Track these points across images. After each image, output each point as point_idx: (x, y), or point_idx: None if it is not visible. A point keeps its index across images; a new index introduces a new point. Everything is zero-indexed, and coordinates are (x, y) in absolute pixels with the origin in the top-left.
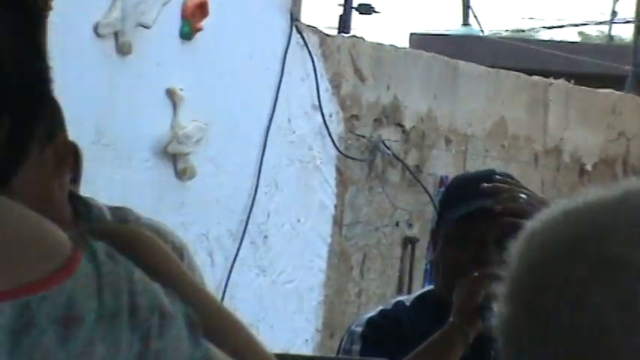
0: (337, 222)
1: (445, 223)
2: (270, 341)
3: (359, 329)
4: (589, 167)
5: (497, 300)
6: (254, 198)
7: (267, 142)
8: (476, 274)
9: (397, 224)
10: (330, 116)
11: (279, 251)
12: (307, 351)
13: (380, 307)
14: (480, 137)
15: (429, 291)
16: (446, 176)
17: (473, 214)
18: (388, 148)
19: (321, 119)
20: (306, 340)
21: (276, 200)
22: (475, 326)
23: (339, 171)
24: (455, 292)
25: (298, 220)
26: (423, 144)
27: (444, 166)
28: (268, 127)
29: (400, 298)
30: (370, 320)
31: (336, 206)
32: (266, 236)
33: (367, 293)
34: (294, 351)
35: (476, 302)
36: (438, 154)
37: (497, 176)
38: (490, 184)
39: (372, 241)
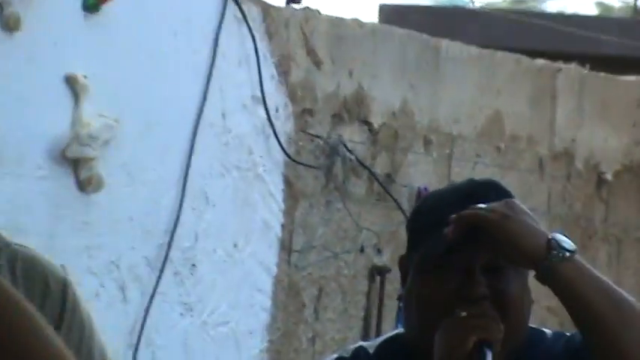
0: (285, 247)
1: (420, 253)
2: None
3: None
4: (609, 176)
5: (494, 348)
6: (178, 216)
7: (195, 145)
8: (463, 313)
9: (362, 250)
10: (277, 111)
11: (210, 284)
12: None
13: (335, 356)
14: (469, 138)
15: (397, 335)
16: (424, 188)
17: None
18: (351, 152)
19: (264, 115)
20: None
21: (207, 219)
22: None
23: (287, 181)
24: (436, 337)
25: (235, 245)
26: (396, 146)
27: (422, 174)
28: (196, 126)
29: (362, 343)
30: None
31: (283, 226)
32: (194, 265)
33: (323, 339)
34: None
35: (464, 350)
36: (414, 160)
37: (481, 187)
38: (455, 221)
39: (330, 271)
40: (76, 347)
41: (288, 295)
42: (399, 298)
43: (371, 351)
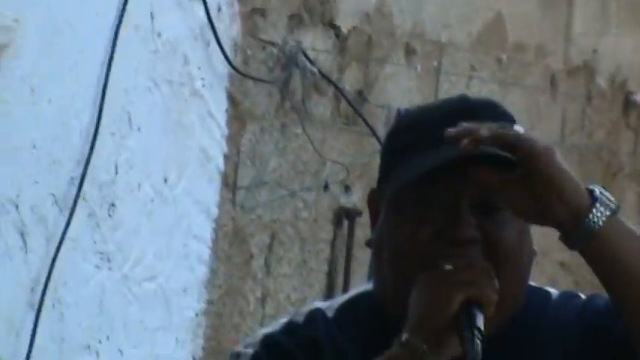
0: (228, 183)
1: (393, 183)
2: None
3: (249, 351)
4: (639, 97)
5: (486, 309)
6: (93, 143)
7: (116, 52)
8: (448, 266)
9: (326, 187)
10: (219, 10)
11: (133, 229)
12: None
13: (284, 320)
14: (463, 47)
15: (365, 292)
16: (406, 109)
17: (445, 165)
18: (312, 63)
19: (203, 15)
20: None
21: (130, 146)
22: (444, 350)
23: (232, 99)
24: (412, 296)
25: (165, 180)
26: (370, 56)
27: (403, 91)
28: (117, 28)
29: (318, 305)
30: (267, 340)
31: (226, 157)
32: (112, 204)
33: (276, 298)
34: None
35: (449, 312)
36: (393, 73)
37: (475, 106)
38: (458, 129)
39: (286, 214)
40: None
41: (232, 244)
42: (368, 244)
43: (330, 314)
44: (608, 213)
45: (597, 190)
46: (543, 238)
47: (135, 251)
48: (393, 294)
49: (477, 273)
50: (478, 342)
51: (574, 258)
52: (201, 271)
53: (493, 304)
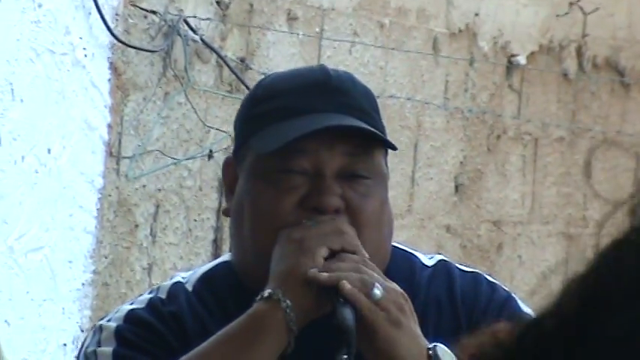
0: (113, 152)
1: (256, 150)
2: (4, 347)
3: (112, 324)
4: (522, 60)
5: (358, 253)
6: None
7: None
8: (310, 222)
9: (211, 155)
10: None
11: (17, 200)
12: None
13: (147, 295)
14: (345, 12)
15: (222, 265)
16: (265, 77)
17: (306, 136)
18: (195, 32)
19: None
20: (64, 345)
21: (13, 117)
22: (307, 306)
23: (114, 68)
24: (273, 254)
25: (48, 151)
26: (251, 24)
27: (285, 58)
28: None
29: (179, 277)
30: (131, 315)
31: (110, 126)
32: None
33: (163, 267)
34: None
35: (313, 265)
36: (275, 40)
37: (335, 78)
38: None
39: (170, 182)
40: None
41: (117, 214)
42: (225, 213)
43: (190, 288)
44: None
45: (437, 348)
46: (429, 202)
47: (20, 223)
48: (253, 259)
49: (339, 225)
50: (345, 308)
51: (459, 221)
52: (87, 242)
53: (362, 252)
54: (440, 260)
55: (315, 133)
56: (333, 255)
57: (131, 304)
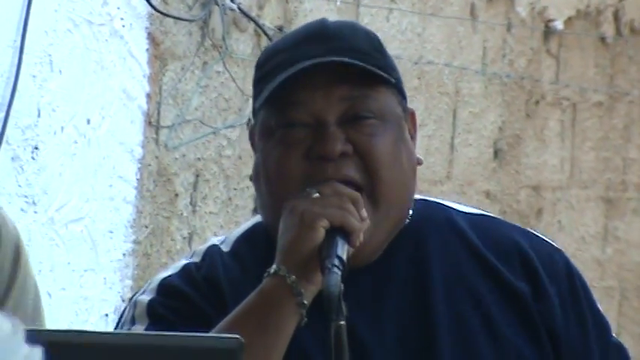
0: (152, 122)
1: (259, 111)
2: (47, 317)
3: (145, 298)
4: (559, 25)
5: (352, 238)
6: (15, 86)
7: None
8: (315, 194)
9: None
10: None
11: (57, 171)
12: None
13: (182, 262)
14: None
15: (257, 224)
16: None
17: (295, 80)
18: (232, 1)
19: None
20: (106, 315)
21: (52, 88)
22: (314, 279)
23: (152, 39)
24: (280, 222)
25: (88, 121)
26: None
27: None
28: None
29: (214, 241)
30: (163, 285)
31: (149, 96)
32: (36, 147)
33: (203, 236)
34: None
35: (313, 240)
36: (312, 8)
37: (334, 27)
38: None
39: (210, 151)
40: (24, 310)
41: (157, 184)
42: (251, 178)
43: (226, 249)
44: None
45: None
46: (468, 168)
47: (60, 194)
48: (272, 220)
49: (342, 200)
50: (337, 271)
51: (499, 187)
52: (127, 212)
53: (359, 232)
54: (481, 213)
55: (305, 77)
56: (333, 229)
57: (165, 272)
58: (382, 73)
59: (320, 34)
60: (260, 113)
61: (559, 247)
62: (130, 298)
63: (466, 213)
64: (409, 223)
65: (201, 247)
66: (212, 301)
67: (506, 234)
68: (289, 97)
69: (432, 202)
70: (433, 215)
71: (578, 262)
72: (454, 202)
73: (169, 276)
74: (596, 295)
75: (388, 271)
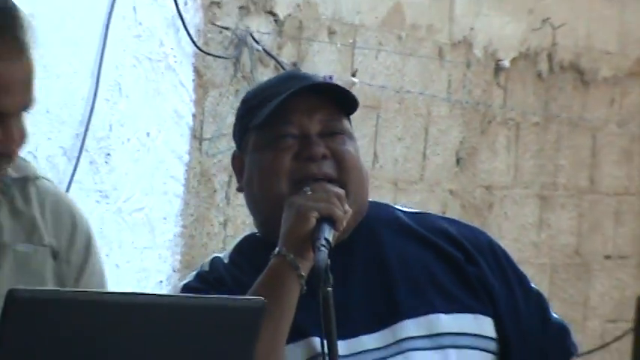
0: (196, 135)
1: (251, 134)
2: (115, 284)
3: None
4: (506, 63)
5: (337, 225)
6: (93, 107)
7: (108, 37)
8: (308, 191)
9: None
10: (185, 4)
11: (124, 172)
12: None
13: (196, 271)
14: (372, 27)
15: (247, 238)
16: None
17: (286, 105)
18: (258, 43)
19: (174, 7)
20: (161, 282)
21: (121, 109)
22: (308, 257)
23: (197, 71)
24: (283, 214)
25: (148, 134)
26: (301, 36)
27: (327, 63)
28: (109, 18)
29: (216, 254)
30: (185, 289)
31: (194, 115)
32: (108, 154)
33: (235, 223)
34: None
35: (307, 227)
36: (319, 49)
37: (304, 73)
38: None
39: None
40: (93, 286)
41: (199, 182)
42: (240, 189)
43: (226, 260)
44: None
45: None
46: (436, 172)
47: (126, 189)
48: (268, 212)
49: (330, 195)
50: (324, 250)
51: (460, 187)
52: (177, 203)
53: (342, 220)
54: (418, 211)
55: (294, 99)
56: (322, 218)
57: (185, 280)
58: (352, 94)
59: (296, 76)
60: (251, 133)
61: (482, 230)
62: None
63: (407, 211)
64: (365, 216)
65: (206, 261)
66: (222, 294)
67: (437, 223)
68: (282, 117)
69: (382, 203)
70: (382, 212)
71: (519, 245)
72: (398, 204)
73: (188, 282)
74: (532, 269)
75: (352, 250)
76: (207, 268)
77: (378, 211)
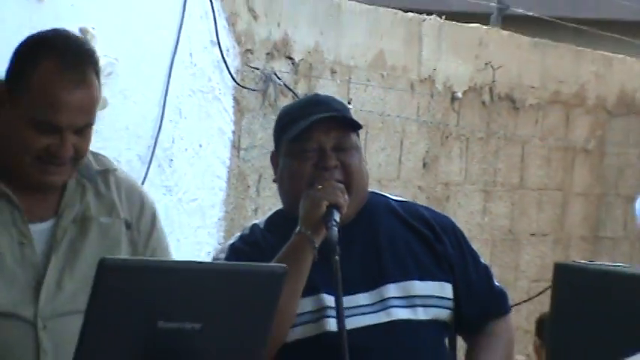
0: (235, 146)
1: (284, 143)
2: (177, 253)
3: (222, 255)
4: (459, 94)
5: (341, 210)
6: (160, 125)
7: (172, 75)
8: (319, 186)
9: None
10: (228, 51)
11: (183, 173)
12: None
13: (239, 233)
14: (362, 68)
15: (277, 212)
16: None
17: (311, 125)
18: (280, 79)
19: (219, 54)
20: (209, 252)
21: (180, 127)
22: (320, 233)
23: (236, 100)
24: (301, 203)
25: (200, 145)
26: (311, 75)
27: (330, 94)
28: (172, 61)
29: (254, 221)
30: (232, 246)
31: (233, 132)
32: (171, 160)
33: (263, 209)
34: None
35: (319, 212)
36: (324, 84)
37: (324, 98)
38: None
39: (266, 163)
40: (158, 256)
41: (237, 180)
42: (275, 180)
43: (262, 226)
44: None
45: None
46: (409, 173)
47: (184, 186)
48: (291, 205)
49: (335, 190)
50: (335, 228)
51: (425, 184)
52: (221, 195)
53: (344, 207)
54: (404, 200)
55: (315, 123)
56: (330, 205)
57: (231, 240)
58: (356, 123)
59: (318, 101)
60: (283, 143)
61: (448, 216)
62: (214, 256)
63: (396, 200)
64: (365, 205)
65: (247, 226)
66: (257, 253)
67: (416, 210)
68: (305, 135)
69: (378, 193)
70: (378, 201)
71: (469, 225)
72: (390, 193)
73: (233, 242)
74: (478, 244)
75: (354, 230)
76: (247, 232)
77: (376, 199)
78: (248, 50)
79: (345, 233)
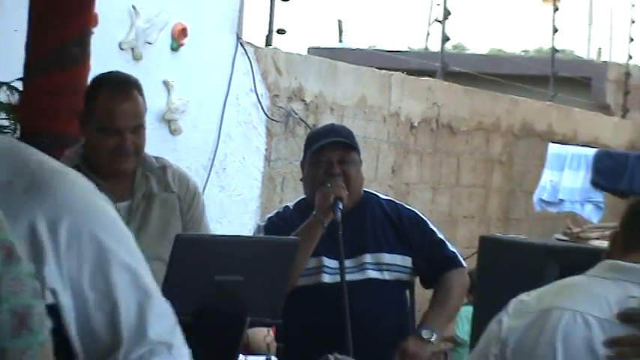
0: (267, 159)
1: (308, 154)
2: (228, 230)
3: (263, 224)
4: (416, 124)
5: (343, 201)
6: (217, 145)
7: (225, 111)
8: (329, 185)
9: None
10: (262, 95)
11: (232, 177)
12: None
13: (276, 210)
14: (351, 107)
15: (303, 199)
16: (316, 128)
17: (324, 145)
18: (297, 114)
19: (256, 98)
20: (250, 230)
21: (230, 146)
22: (328, 217)
23: (267, 129)
24: (316, 196)
25: (243, 158)
26: (317, 111)
27: (329, 123)
28: (225, 103)
29: (287, 204)
30: (270, 219)
31: (266, 149)
32: (224, 168)
33: (284, 201)
34: None
35: (329, 201)
36: (326, 118)
37: (338, 127)
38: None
39: (288, 169)
40: (195, 225)
41: (269, 181)
42: (301, 179)
43: (292, 208)
44: None
45: None
46: (382, 176)
47: (232, 185)
48: (310, 196)
49: (340, 187)
50: (339, 214)
51: (394, 184)
52: (257, 192)
53: (345, 199)
54: (389, 198)
55: (327, 145)
56: (336, 198)
57: (270, 214)
58: (355, 146)
59: (331, 129)
60: (308, 156)
61: (415, 210)
62: (257, 226)
63: (383, 198)
64: (360, 200)
65: (281, 206)
66: (287, 227)
67: (395, 205)
68: (320, 152)
69: (372, 192)
70: (370, 197)
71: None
72: (381, 193)
73: (270, 216)
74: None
75: (349, 217)
76: (281, 210)
77: (369, 196)
78: (275, 95)
79: (344, 218)
